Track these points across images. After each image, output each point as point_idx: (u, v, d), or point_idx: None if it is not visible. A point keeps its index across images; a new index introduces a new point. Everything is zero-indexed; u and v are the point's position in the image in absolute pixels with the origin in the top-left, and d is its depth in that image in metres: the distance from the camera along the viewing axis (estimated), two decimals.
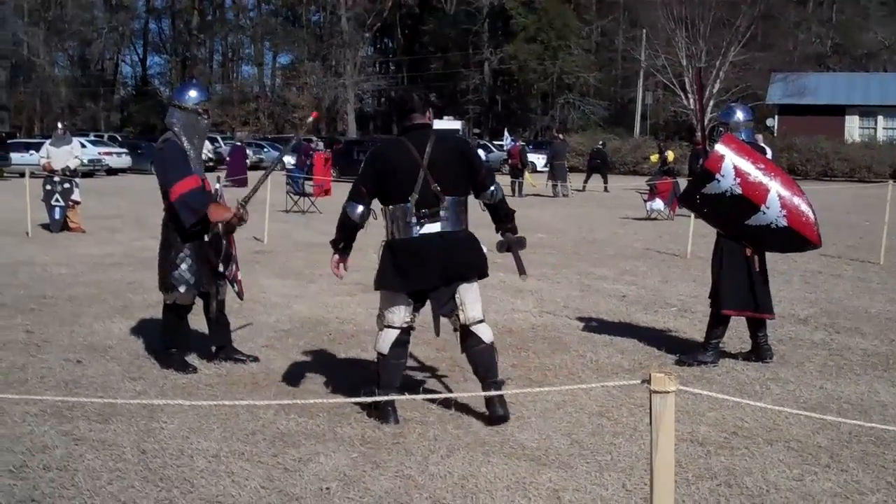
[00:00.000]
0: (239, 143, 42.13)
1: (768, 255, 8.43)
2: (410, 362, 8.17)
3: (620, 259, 15.21)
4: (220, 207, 7.77)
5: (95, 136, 54.21)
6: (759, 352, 8.31)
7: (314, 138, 45.23)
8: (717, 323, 8.26)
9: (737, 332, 8.92)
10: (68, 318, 9.79)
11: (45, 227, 18.34)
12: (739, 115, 8.59)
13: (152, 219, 20.86)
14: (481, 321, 6.49)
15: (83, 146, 30.33)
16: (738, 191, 7.77)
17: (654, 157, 29.24)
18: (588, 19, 75.19)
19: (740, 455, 5.87)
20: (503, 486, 5.31)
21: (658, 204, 23.34)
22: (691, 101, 54.64)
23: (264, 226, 17.14)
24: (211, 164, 39.81)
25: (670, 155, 28.11)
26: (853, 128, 54.22)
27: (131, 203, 25.43)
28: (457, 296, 6.40)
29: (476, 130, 73.29)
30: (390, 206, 6.34)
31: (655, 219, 23.09)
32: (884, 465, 5.73)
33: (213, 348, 8.14)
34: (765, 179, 7.81)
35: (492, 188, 6.55)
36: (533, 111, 75.85)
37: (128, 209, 23.30)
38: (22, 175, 20.49)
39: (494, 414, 6.38)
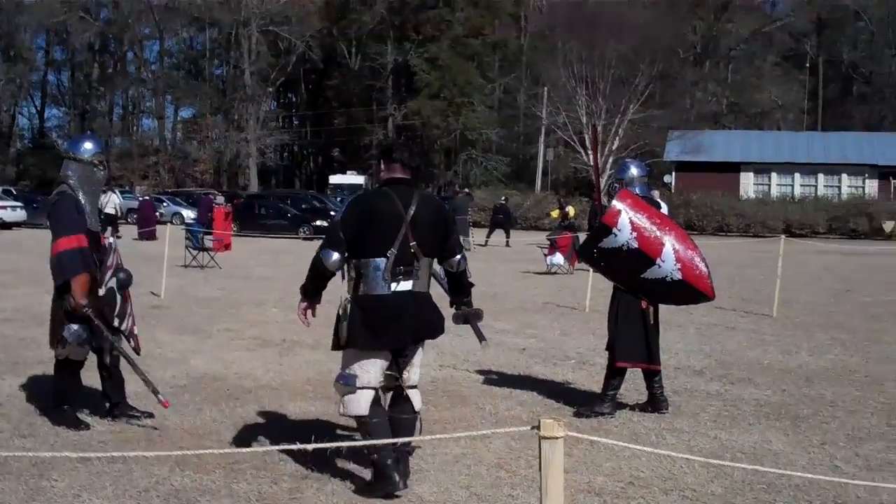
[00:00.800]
0: (146, 198, 41.73)
1: (665, 307, 8.58)
2: (306, 417, 8.13)
3: (521, 312, 15.33)
4: (83, 281, 7.35)
5: None
6: (654, 402, 8.44)
7: (215, 192, 44.90)
8: (614, 374, 8.39)
9: (634, 385, 9.04)
10: None
11: None
12: (633, 171, 8.79)
13: (47, 274, 20.40)
14: (416, 386, 6.39)
15: None
16: (635, 245, 7.89)
17: (555, 213, 29.61)
18: (491, 77, 76.20)
19: None
20: None
21: (558, 258, 23.58)
22: (590, 157, 55.56)
23: (161, 280, 16.89)
24: (120, 218, 39.28)
25: (571, 210, 28.51)
26: (748, 184, 55.78)
27: (26, 258, 24.86)
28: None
29: (378, 185, 73.41)
30: (363, 260, 6.08)
31: (555, 273, 23.32)
32: None
33: (107, 405, 7.97)
34: (660, 233, 7.95)
35: (458, 256, 6.44)
36: (436, 166, 76.35)
37: (22, 264, 22.76)
38: None
39: (399, 480, 6.11)
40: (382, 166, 6.33)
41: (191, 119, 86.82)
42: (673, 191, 53.57)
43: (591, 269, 12.13)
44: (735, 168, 55.87)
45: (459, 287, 6.61)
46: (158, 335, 12.17)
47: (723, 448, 7.31)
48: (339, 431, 7.64)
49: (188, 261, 23.67)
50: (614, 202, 8.05)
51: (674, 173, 56.85)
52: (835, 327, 14.08)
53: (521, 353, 11.49)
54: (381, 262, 6.02)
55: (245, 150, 76.34)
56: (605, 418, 8.18)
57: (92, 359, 7.86)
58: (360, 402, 6.11)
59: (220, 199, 39.57)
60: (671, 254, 7.92)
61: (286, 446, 5.70)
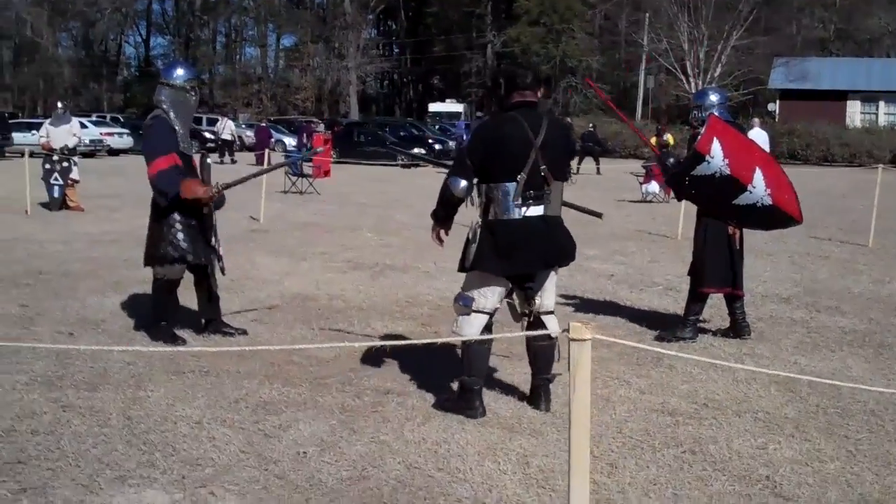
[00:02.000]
0: (263, 124, 42.72)
1: (759, 236, 8.54)
2: (392, 335, 8.37)
3: (612, 240, 15.37)
4: (193, 184, 7.71)
5: (98, 116, 54.25)
6: (737, 328, 8.49)
7: (315, 119, 45.45)
8: (696, 300, 8.45)
9: (719, 311, 9.09)
10: (62, 293, 9.96)
11: (45, 205, 18.52)
12: (713, 97, 8.75)
13: (149, 197, 21.08)
14: (552, 312, 6.46)
15: (84, 126, 30.56)
16: (727, 171, 7.83)
17: (653, 140, 29.33)
18: (591, 2, 75.05)
19: (708, 425, 6.05)
20: (475, 451, 5.49)
21: (654, 186, 23.44)
22: (692, 84, 54.69)
23: (261, 205, 17.29)
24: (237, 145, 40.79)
25: (670, 138, 28.21)
26: (855, 113, 54.31)
27: (131, 183, 25.52)
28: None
29: (479, 113, 73.28)
30: (492, 185, 6.08)
31: (651, 201, 23.22)
32: (847, 434, 5.91)
33: (203, 321, 8.31)
34: (750, 159, 7.93)
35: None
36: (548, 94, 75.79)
37: (127, 188, 23.42)
38: (23, 155, 20.59)
39: (537, 407, 6.33)
40: (506, 92, 6.23)
41: (292, 47, 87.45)
42: (777, 119, 52.50)
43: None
44: (842, 96, 54.39)
45: None
46: (256, 257, 12.54)
47: (801, 373, 7.32)
48: (423, 342, 7.87)
49: (287, 187, 24.13)
50: (706, 129, 8.02)
51: (778, 102, 55.67)
52: None
53: (609, 280, 11.58)
54: (511, 186, 6.01)
55: (346, 78, 76.74)
56: (687, 342, 8.27)
57: (188, 278, 8.18)
58: (473, 325, 6.21)
59: (320, 126, 40.19)
60: (761, 179, 7.88)
61: (376, 343, 5.88)
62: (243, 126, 43.65)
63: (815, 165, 44.65)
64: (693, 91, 51.01)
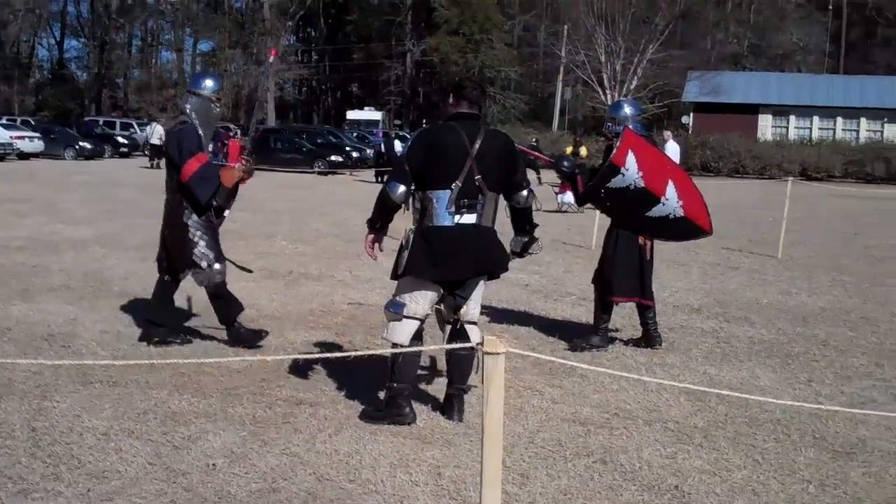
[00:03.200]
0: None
1: (671, 246, 8.65)
2: (306, 346, 8.32)
3: None
4: (228, 170, 8.03)
5: (8, 119, 53.09)
6: (649, 338, 8.59)
7: (231, 126, 45.02)
8: (604, 309, 8.54)
9: (631, 321, 9.20)
10: None
11: None
12: (627, 109, 8.84)
13: (62, 203, 20.70)
14: (475, 322, 6.47)
15: None
16: (641, 183, 7.93)
17: (569, 150, 29.61)
18: (511, 13, 75.65)
19: (618, 434, 6.11)
20: (387, 462, 5.47)
21: (569, 197, 23.54)
22: (609, 96, 55.34)
23: None
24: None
25: (583, 150, 28.50)
26: (766, 126, 55.38)
27: (42, 188, 25.09)
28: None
29: (397, 122, 73.38)
30: (428, 192, 6.15)
31: (566, 211, 23.42)
32: (754, 444, 6.01)
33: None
34: (663, 171, 8.05)
35: (525, 192, 6.50)
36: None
37: (38, 194, 22.97)
38: None
39: (450, 418, 6.35)
40: (451, 101, 6.36)
41: (209, 52, 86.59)
42: (690, 132, 53.35)
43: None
44: (753, 110, 55.44)
45: (524, 221, 6.71)
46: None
47: (710, 383, 7.46)
48: (336, 356, 7.82)
49: None
50: (621, 142, 8.10)
51: (692, 114, 56.55)
52: (837, 269, 14.17)
53: (524, 289, 11.64)
54: (446, 194, 6.09)
55: (263, 84, 76.17)
56: (598, 351, 8.35)
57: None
58: (403, 331, 6.23)
59: (237, 132, 39.83)
60: (674, 191, 8.01)
61: (288, 356, 5.86)
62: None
63: (726, 177, 45.44)
64: (609, 103, 51.71)
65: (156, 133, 39.37)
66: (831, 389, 7.41)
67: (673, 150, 24.06)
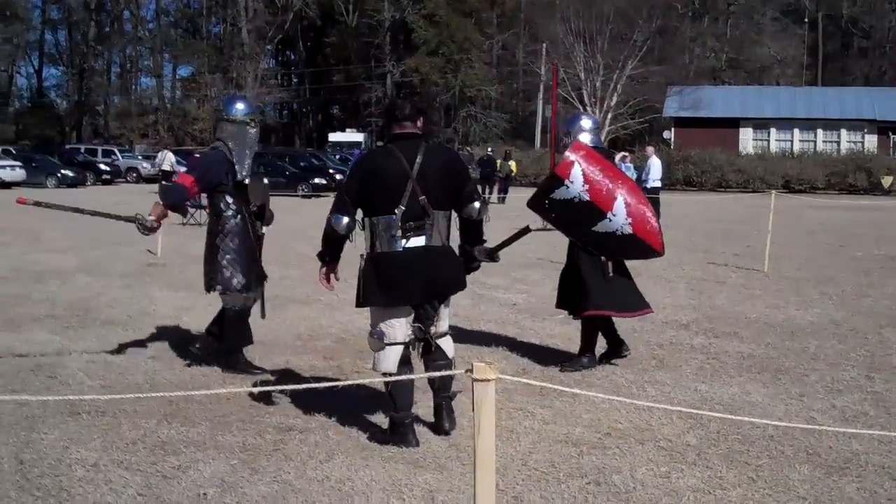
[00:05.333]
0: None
1: (657, 262, 8.56)
2: (294, 371, 8.26)
3: (513, 268, 15.39)
4: (160, 213, 8.03)
5: None
6: (614, 347, 8.52)
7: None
8: (587, 326, 8.46)
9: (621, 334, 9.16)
10: None
11: None
12: (582, 122, 8.72)
13: (45, 233, 20.58)
14: (447, 334, 6.48)
15: None
16: (587, 197, 7.83)
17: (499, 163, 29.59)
18: (489, 33, 75.90)
19: (611, 454, 6.07)
20: (379, 488, 5.42)
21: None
22: (590, 113, 55.47)
23: (158, 238, 16.96)
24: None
25: (513, 164, 28.49)
26: (747, 140, 55.75)
27: (23, 217, 24.94)
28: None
29: (379, 143, 73.35)
30: (374, 218, 6.12)
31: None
32: (747, 461, 5.97)
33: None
34: (612, 186, 7.88)
35: (476, 203, 6.40)
36: (435, 124, 76.22)
37: (19, 224, 22.84)
38: None
39: (441, 427, 6.39)
40: (388, 124, 6.32)
41: (189, 77, 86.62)
42: (672, 147, 53.54)
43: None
44: (734, 124, 55.81)
45: (475, 234, 6.54)
46: (154, 292, 12.29)
47: (702, 400, 7.43)
48: (325, 385, 7.77)
49: (185, 219, 23.72)
50: (567, 153, 7.99)
51: (672, 129, 56.85)
52: (824, 282, 14.18)
53: (511, 309, 11.62)
54: (391, 219, 6.05)
55: None
56: (588, 371, 8.31)
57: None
58: (388, 359, 6.20)
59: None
60: (623, 207, 7.89)
61: (276, 387, 5.81)
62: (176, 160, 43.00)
63: (710, 192, 45.63)
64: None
65: (167, 160, 39.29)
66: (823, 404, 7.38)
67: (656, 165, 24.10)
